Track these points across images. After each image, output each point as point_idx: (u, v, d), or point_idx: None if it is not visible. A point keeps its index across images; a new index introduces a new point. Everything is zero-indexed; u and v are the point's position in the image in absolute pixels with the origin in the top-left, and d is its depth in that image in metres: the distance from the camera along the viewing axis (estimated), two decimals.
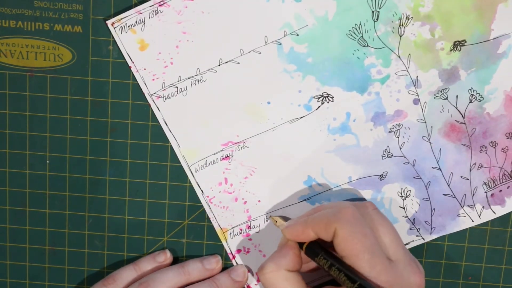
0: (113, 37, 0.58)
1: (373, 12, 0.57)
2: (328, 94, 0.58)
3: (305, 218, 0.54)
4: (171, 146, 0.59)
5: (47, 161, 0.60)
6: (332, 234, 0.51)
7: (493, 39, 0.57)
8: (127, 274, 0.59)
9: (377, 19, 0.57)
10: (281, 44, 0.57)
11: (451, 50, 0.57)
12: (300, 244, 0.54)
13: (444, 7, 0.56)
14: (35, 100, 0.59)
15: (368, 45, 0.57)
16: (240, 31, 0.57)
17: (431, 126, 0.58)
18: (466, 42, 0.57)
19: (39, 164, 0.60)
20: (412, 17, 0.56)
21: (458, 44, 0.57)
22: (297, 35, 0.57)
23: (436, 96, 0.58)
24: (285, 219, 0.58)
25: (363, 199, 0.59)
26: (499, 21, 0.56)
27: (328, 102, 0.58)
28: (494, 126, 0.58)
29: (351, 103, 0.58)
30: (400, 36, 0.57)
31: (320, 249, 0.52)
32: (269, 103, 0.58)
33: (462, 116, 0.58)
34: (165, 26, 0.57)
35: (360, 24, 0.57)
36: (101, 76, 0.59)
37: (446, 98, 0.58)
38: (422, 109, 0.58)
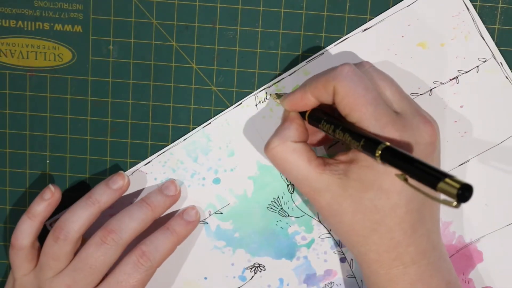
0: (113, 37, 0.58)
1: (288, 185, 0.60)
2: (259, 264, 0.61)
3: (303, 84, 0.52)
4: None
5: (47, 161, 0.60)
6: (332, 94, 0.49)
7: None
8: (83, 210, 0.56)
9: (293, 191, 0.60)
10: (207, 223, 0.60)
11: None
12: (303, 115, 0.53)
13: None
14: (35, 100, 0.59)
15: (289, 215, 0.60)
16: None
17: (361, 280, 0.61)
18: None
19: (39, 164, 0.60)
20: None
21: None
22: (221, 213, 0.60)
23: None
24: (280, 95, 0.56)
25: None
26: None
27: (260, 271, 0.61)
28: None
29: (282, 269, 0.61)
30: None
31: (322, 115, 0.51)
32: (206, 278, 0.61)
33: None
34: None
35: (278, 197, 0.60)
36: (101, 76, 0.59)
37: None
38: (350, 266, 0.61)
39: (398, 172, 0.44)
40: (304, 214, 0.60)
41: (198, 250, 0.61)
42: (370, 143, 0.46)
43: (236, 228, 0.60)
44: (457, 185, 0.39)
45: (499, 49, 0.57)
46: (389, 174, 0.47)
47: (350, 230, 0.50)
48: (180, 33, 0.58)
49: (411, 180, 0.44)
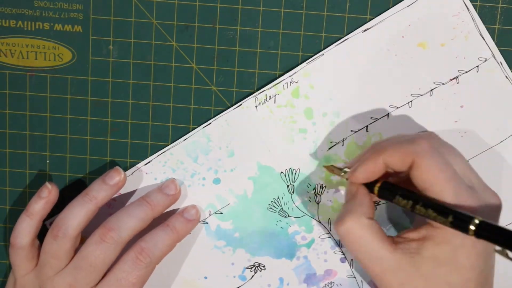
0: (113, 37, 0.58)
1: (288, 186, 0.60)
2: (259, 264, 0.61)
3: (372, 152, 0.51)
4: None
5: (47, 161, 0.60)
6: (409, 165, 0.48)
7: None
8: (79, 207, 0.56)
9: (293, 192, 0.60)
10: (207, 223, 0.61)
11: None
12: (370, 189, 0.51)
13: None
14: (35, 100, 0.59)
15: (289, 216, 0.60)
16: None
17: (361, 280, 0.61)
18: (380, 201, 0.59)
19: (39, 164, 0.60)
20: (325, 186, 0.60)
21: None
22: (221, 213, 0.60)
23: None
24: (340, 169, 0.55)
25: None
26: None
27: (260, 271, 0.61)
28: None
29: (282, 269, 0.61)
30: (318, 204, 0.60)
31: (396, 188, 0.49)
32: (206, 277, 0.61)
33: None
34: None
35: (278, 198, 0.60)
36: (101, 75, 0.59)
37: None
38: (350, 266, 0.61)
39: (497, 247, 0.44)
40: (304, 214, 0.60)
41: (198, 249, 0.61)
42: (460, 218, 0.45)
43: (236, 228, 0.60)
44: None
45: (499, 49, 0.57)
46: (464, 249, 0.47)
47: None
48: (180, 33, 0.58)
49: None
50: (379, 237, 0.50)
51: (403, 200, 0.48)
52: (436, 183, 0.47)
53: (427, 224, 0.49)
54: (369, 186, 0.52)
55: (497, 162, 0.58)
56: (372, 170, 0.51)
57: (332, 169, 0.56)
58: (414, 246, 0.49)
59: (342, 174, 0.54)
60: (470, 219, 0.44)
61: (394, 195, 0.49)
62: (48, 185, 0.57)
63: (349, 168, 0.53)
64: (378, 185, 0.51)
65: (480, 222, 0.44)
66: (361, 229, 0.49)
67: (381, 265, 0.49)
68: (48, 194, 0.56)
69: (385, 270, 0.49)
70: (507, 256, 0.44)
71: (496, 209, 0.49)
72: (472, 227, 0.44)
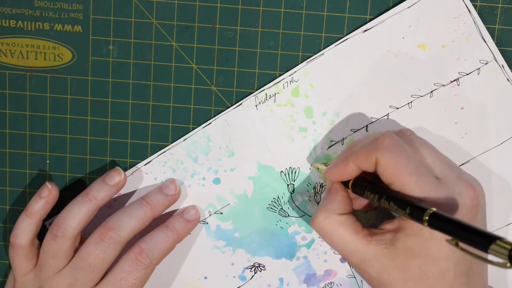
0: (113, 37, 0.58)
1: (288, 185, 0.60)
2: (259, 264, 0.61)
3: (344, 155, 0.53)
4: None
5: (47, 161, 0.60)
6: (374, 164, 0.50)
7: None
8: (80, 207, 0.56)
9: (293, 191, 0.60)
10: (207, 223, 0.61)
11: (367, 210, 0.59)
12: (346, 185, 0.53)
13: None
14: (35, 100, 0.59)
15: (288, 215, 0.60)
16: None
17: (361, 280, 0.61)
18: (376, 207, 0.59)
19: (39, 164, 0.60)
20: (325, 185, 0.60)
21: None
22: (221, 213, 0.60)
23: None
24: (326, 164, 0.57)
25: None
26: None
27: (260, 271, 0.61)
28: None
29: (282, 269, 0.61)
30: (318, 203, 0.60)
31: (366, 184, 0.51)
32: (206, 278, 0.61)
33: None
34: None
35: (278, 197, 0.60)
36: (101, 75, 0.59)
37: None
38: (350, 266, 0.61)
39: (448, 237, 0.44)
40: (304, 214, 0.60)
41: (198, 250, 0.61)
42: (416, 210, 0.46)
43: (236, 228, 0.60)
44: (509, 246, 0.40)
45: (499, 49, 0.57)
46: (435, 240, 0.48)
47: None
48: (180, 33, 0.58)
49: (461, 244, 0.44)
50: (352, 231, 0.51)
51: (370, 194, 0.50)
52: (398, 178, 0.48)
53: (399, 216, 0.50)
54: (346, 182, 0.54)
55: (497, 163, 0.58)
56: (342, 171, 0.52)
57: (316, 167, 0.58)
58: (389, 237, 0.50)
59: (322, 170, 0.56)
60: (424, 210, 0.45)
61: (364, 190, 0.51)
62: (48, 185, 0.57)
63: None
64: (351, 182, 0.53)
65: (433, 212, 0.45)
66: (332, 225, 0.52)
67: (357, 257, 0.51)
68: (48, 194, 0.56)
69: (362, 261, 0.51)
70: (457, 245, 0.44)
71: (466, 200, 0.49)
72: (425, 218, 0.45)
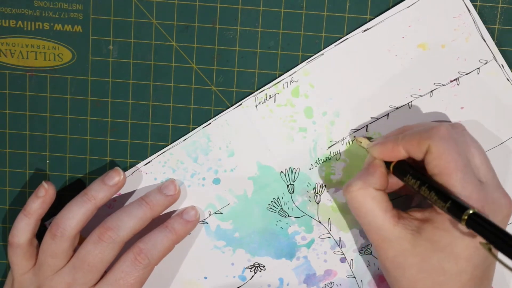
0: (113, 37, 0.58)
1: (288, 185, 0.60)
2: (259, 264, 0.61)
3: (395, 136, 0.53)
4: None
5: (47, 161, 0.60)
6: (425, 152, 0.50)
7: (405, 195, 0.59)
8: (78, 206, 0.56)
9: (293, 192, 0.60)
10: (207, 223, 0.61)
11: None
12: (387, 164, 0.53)
13: (354, 173, 0.59)
14: (35, 100, 0.59)
15: (288, 216, 0.60)
16: None
17: (361, 280, 0.61)
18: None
19: (39, 164, 0.60)
20: (325, 185, 0.60)
21: None
22: (221, 213, 0.60)
23: (361, 253, 0.61)
24: (370, 139, 0.57)
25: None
26: None
27: (260, 271, 0.61)
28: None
29: (282, 269, 0.61)
30: (317, 204, 0.60)
31: (409, 168, 0.51)
32: (206, 278, 0.61)
33: None
34: None
35: (278, 197, 0.60)
36: (101, 75, 0.59)
37: (370, 253, 0.61)
38: (350, 266, 0.61)
39: (481, 240, 0.45)
40: (304, 214, 0.60)
41: (198, 250, 0.61)
42: (457, 206, 0.46)
43: (236, 228, 0.60)
44: None
45: (499, 49, 0.57)
46: (463, 240, 0.48)
47: (411, 286, 0.51)
48: (180, 33, 0.58)
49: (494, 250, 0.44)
50: (383, 207, 0.52)
51: (412, 179, 0.50)
52: (445, 171, 0.48)
53: (432, 208, 0.50)
54: (388, 163, 0.53)
55: (498, 163, 0.58)
56: (389, 151, 0.52)
57: (360, 140, 0.57)
58: (416, 225, 0.51)
59: (365, 145, 0.56)
60: (465, 209, 0.45)
61: (405, 174, 0.51)
62: (44, 184, 0.57)
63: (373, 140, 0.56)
64: (393, 163, 0.52)
65: (474, 213, 0.45)
66: (365, 197, 0.52)
67: (381, 234, 0.51)
68: (45, 193, 0.56)
69: (384, 239, 0.51)
70: (490, 250, 0.44)
71: (503, 209, 0.50)
72: (464, 216, 0.45)
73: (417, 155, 0.50)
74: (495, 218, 0.49)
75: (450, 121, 0.58)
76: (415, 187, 0.50)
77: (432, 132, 0.49)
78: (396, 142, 0.52)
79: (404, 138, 0.51)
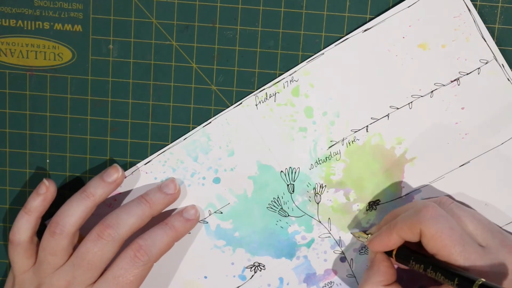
0: (113, 36, 0.58)
1: (288, 185, 0.60)
2: (259, 263, 0.61)
3: (387, 226, 0.54)
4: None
5: (47, 161, 0.60)
6: (418, 235, 0.51)
7: (405, 195, 0.59)
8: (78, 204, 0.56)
9: (293, 191, 0.60)
10: (207, 222, 0.61)
11: (367, 210, 0.60)
12: (389, 253, 0.54)
13: (354, 174, 0.59)
14: (35, 99, 0.59)
15: (288, 215, 0.60)
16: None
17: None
18: (380, 201, 0.60)
19: (39, 163, 0.61)
20: (325, 185, 0.60)
21: (373, 204, 0.60)
22: (221, 213, 0.60)
23: (361, 252, 0.61)
24: (365, 231, 0.59)
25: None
26: (408, 179, 0.59)
27: (260, 271, 0.62)
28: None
29: (282, 268, 0.61)
30: (318, 203, 0.60)
31: (410, 253, 0.52)
32: (206, 277, 0.62)
33: None
34: None
35: (278, 197, 0.60)
36: (101, 75, 0.59)
37: None
38: (350, 266, 0.61)
39: None
40: (304, 214, 0.60)
41: (198, 249, 0.61)
42: (465, 281, 0.47)
43: (236, 227, 0.60)
44: None
45: (499, 49, 0.57)
46: None
47: None
48: (180, 32, 0.58)
49: None
50: None
51: (415, 264, 0.51)
52: (444, 249, 0.49)
53: (445, 285, 0.51)
54: (390, 252, 0.54)
55: (498, 164, 0.58)
56: (386, 243, 0.53)
57: (358, 235, 0.58)
58: None
59: (363, 240, 0.58)
60: (473, 281, 0.46)
61: (408, 260, 0.52)
62: (45, 181, 0.57)
63: (371, 234, 0.57)
64: (394, 251, 0.54)
65: (482, 283, 0.46)
66: None
67: None
68: (45, 191, 0.56)
69: None
70: None
71: (511, 266, 0.50)
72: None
73: (412, 238, 0.52)
74: (505, 278, 0.49)
75: (437, 196, 0.59)
76: (421, 270, 0.51)
77: (421, 216, 0.50)
78: (390, 232, 0.53)
79: (395, 225, 0.52)
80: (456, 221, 0.52)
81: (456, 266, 0.49)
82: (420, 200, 0.59)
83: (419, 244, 0.52)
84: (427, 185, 0.59)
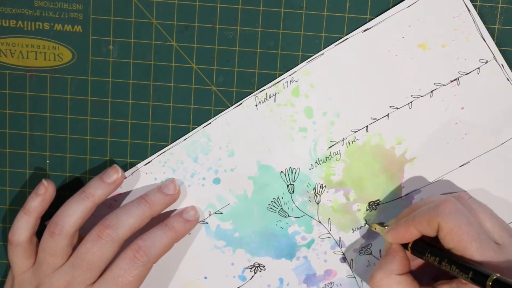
0: (113, 37, 0.58)
1: (288, 185, 0.60)
2: (259, 264, 0.61)
3: (405, 218, 0.54)
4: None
5: (47, 161, 0.60)
6: (436, 229, 0.51)
7: (405, 195, 0.60)
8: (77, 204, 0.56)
9: (293, 192, 0.60)
10: (207, 223, 0.61)
11: (367, 210, 0.60)
12: (404, 245, 0.54)
13: (354, 174, 0.60)
14: (35, 100, 0.59)
15: (288, 216, 0.60)
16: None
17: (361, 280, 0.61)
18: (380, 201, 0.60)
19: (39, 164, 0.60)
20: (325, 186, 0.60)
21: (372, 204, 0.60)
22: (221, 213, 0.60)
23: (361, 253, 0.61)
24: (382, 224, 0.58)
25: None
26: (408, 179, 0.59)
27: (260, 271, 0.61)
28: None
29: (282, 269, 0.61)
30: (318, 204, 0.60)
31: (426, 246, 0.53)
32: (206, 278, 0.61)
33: None
34: None
35: (278, 197, 0.60)
36: (101, 75, 0.59)
37: (370, 253, 0.61)
38: (350, 266, 0.61)
39: None
40: (304, 214, 0.60)
41: (198, 250, 0.61)
42: (479, 275, 0.48)
43: (236, 228, 0.60)
44: None
45: (499, 49, 0.57)
46: None
47: None
48: (180, 33, 0.58)
49: None
50: None
51: (431, 256, 0.52)
52: (460, 244, 0.50)
53: (458, 278, 0.51)
54: (405, 244, 0.55)
55: (498, 164, 0.58)
56: (403, 235, 0.54)
57: (374, 227, 0.58)
58: None
59: (379, 231, 0.57)
60: (487, 276, 0.47)
61: (424, 253, 0.52)
62: (44, 182, 0.57)
63: (388, 226, 0.57)
64: (410, 244, 0.54)
65: (496, 278, 0.46)
66: (390, 284, 0.53)
67: None
68: (44, 191, 0.56)
69: None
70: None
71: None
72: (489, 282, 0.47)
73: (430, 233, 0.52)
74: None
75: (456, 191, 0.59)
76: (436, 263, 0.51)
77: (440, 210, 0.51)
78: (407, 225, 0.53)
79: (414, 219, 0.53)
80: (474, 217, 0.52)
81: (471, 261, 0.49)
82: (439, 195, 0.59)
83: (433, 238, 0.52)
84: (427, 185, 0.59)
